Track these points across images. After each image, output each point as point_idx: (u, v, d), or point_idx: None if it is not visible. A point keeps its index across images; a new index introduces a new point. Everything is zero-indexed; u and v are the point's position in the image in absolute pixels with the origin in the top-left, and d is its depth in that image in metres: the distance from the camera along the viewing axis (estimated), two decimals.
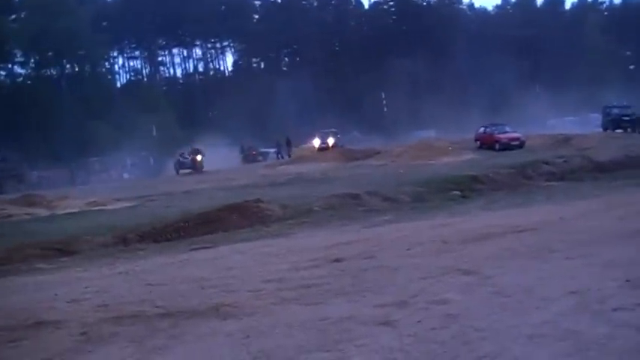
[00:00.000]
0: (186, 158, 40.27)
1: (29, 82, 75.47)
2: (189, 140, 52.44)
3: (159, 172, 50.71)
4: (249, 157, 55.10)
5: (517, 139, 36.59)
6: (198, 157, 39.66)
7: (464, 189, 21.66)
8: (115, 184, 42.79)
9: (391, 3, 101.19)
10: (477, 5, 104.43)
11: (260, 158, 55.05)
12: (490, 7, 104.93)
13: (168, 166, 49.46)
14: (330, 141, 48.73)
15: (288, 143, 53.08)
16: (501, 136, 37.21)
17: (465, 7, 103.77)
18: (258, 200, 19.00)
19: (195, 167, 38.93)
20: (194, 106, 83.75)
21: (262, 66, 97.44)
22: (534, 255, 8.84)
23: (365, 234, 13.44)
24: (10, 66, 76.25)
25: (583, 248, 8.92)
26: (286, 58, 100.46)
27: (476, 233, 11.22)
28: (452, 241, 10.76)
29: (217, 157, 43.91)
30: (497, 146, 36.00)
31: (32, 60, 76.16)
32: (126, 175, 53.52)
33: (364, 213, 17.98)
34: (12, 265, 13.72)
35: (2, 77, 76.22)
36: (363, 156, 38.57)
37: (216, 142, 50.67)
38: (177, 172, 38.68)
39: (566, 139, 35.49)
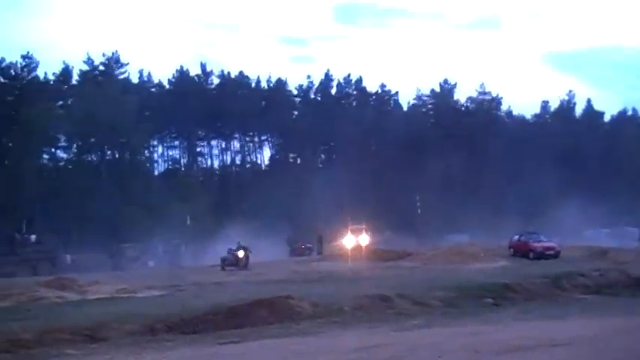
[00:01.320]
0: (233, 254, 40.15)
1: (70, 166, 77.05)
2: (222, 230, 52.53)
3: (190, 261, 50.76)
4: (297, 251, 55.06)
5: (552, 248, 36.24)
6: (240, 254, 39.39)
7: (496, 297, 21.44)
8: (146, 271, 42.91)
9: (430, 106, 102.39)
10: (515, 113, 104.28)
11: (307, 252, 54.94)
12: (528, 116, 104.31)
13: (200, 256, 49.33)
14: (363, 240, 48.40)
15: (320, 240, 53.01)
16: (536, 244, 36.86)
17: (503, 114, 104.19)
18: (289, 296, 18.94)
19: (238, 264, 38.71)
20: (229, 197, 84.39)
21: (299, 161, 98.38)
22: None
23: (394, 338, 13.31)
24: (53, 150, 78.22)
25: None
26: (322, 155, 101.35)
27: (508, 344, 11.06)
28: (484, 350, 10.61)
29: (258, 249, 43.58)
30: (531, 255, 35.64)
31: (75, 145, 77.99)
32: (151, 264, 53.00)
33: (394, 316, 17.83)
34: (42, 348, 13.76)
35: (45, 161, 78.01)
36: (395, 257, 38.33)
37: (249, 233, 50.57)
38: (223, 268, 38.41)
39: (603, 252, 35.06)
